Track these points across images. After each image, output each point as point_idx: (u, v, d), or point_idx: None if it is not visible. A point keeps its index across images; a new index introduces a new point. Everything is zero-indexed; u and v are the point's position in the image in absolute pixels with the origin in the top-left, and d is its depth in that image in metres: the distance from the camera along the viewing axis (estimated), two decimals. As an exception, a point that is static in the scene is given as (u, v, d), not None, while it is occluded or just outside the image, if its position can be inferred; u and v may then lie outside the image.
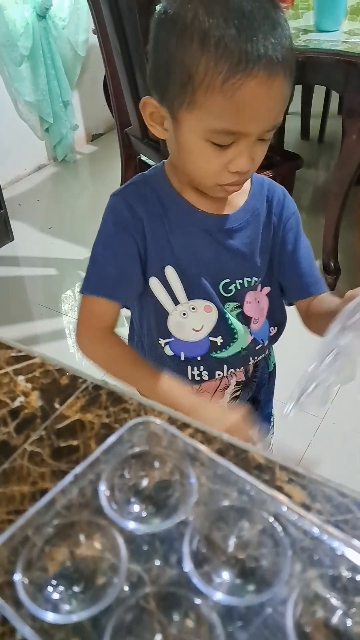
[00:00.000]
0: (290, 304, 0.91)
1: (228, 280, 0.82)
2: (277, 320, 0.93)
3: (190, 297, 0.81)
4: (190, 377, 0.87)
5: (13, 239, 2.44)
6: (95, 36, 1.94)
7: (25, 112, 2.81)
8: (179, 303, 0.82)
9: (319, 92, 2.93)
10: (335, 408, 1.64)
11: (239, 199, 0.80)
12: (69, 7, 2.76)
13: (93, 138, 3.30)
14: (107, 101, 3.03)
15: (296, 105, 2.99)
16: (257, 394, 1.00)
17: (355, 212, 2.00)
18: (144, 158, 2.15)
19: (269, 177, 1.81)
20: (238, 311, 0.84)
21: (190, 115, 0.65)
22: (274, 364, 1.02)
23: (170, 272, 0.79)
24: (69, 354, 1.88)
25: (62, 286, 2.22)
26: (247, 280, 0.83)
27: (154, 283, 0.80)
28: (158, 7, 0.66)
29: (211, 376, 0.87)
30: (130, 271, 0.78)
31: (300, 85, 2.87)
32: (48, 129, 2.92)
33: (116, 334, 0.81)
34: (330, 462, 1.46)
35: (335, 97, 2.89)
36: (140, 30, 1.61)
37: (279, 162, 1.88)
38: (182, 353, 0.85)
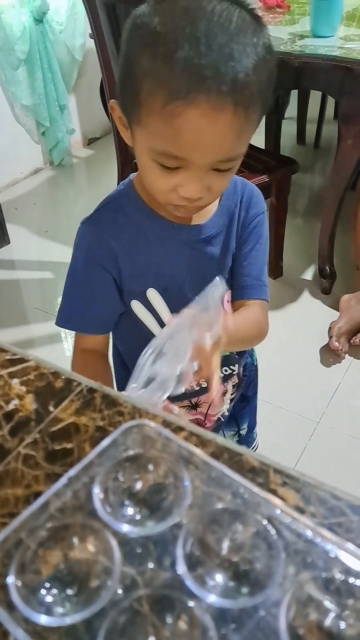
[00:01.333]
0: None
1: None
2: None
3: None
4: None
5: (9, 243, 2.44)
6: (92, 41, 1.95)
7: (22, 116, 2.81)
8: (165, 325, 0.79)
9: (315, 97, 2.94)
10: (331, 412, 1.64)
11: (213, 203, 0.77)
12: (66, 11, 2.77)
13: (90, 142, 3.31)
14: (103, 105, 3.04)
15: (292, 110, 3.00)
16: (246, 391, 1.00)
17: (351, 216, 2.01)
18: (140, 162, 2.15)
19: (265, 181, 1.83)
20: None
21: (138, 131, 0.63)
22: (256, 359, 1.02)
23: (152, 295, 0.78)
24: (65, 358, 1.88)
25: (57, 290, 2.21)
26: (225, 279, 0.82)
27: (137, 307, 0.79)
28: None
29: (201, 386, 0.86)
30: (101, 304, 0.79)
31: (297, 90, 2.88)
32: (44, 132, 2.93)
33: (94, 358, 0.82)
34: (326, 465, 1.46)
35: (331, 102, 2.91)
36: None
37: (275, 167, 1.88)
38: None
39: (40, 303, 2.15)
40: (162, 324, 0.80)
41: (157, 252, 0.76)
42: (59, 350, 1.93)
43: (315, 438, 1.56)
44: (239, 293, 0.83)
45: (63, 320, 0.81)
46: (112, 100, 0.68)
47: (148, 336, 0.80)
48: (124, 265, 0.76)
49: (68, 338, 1.99)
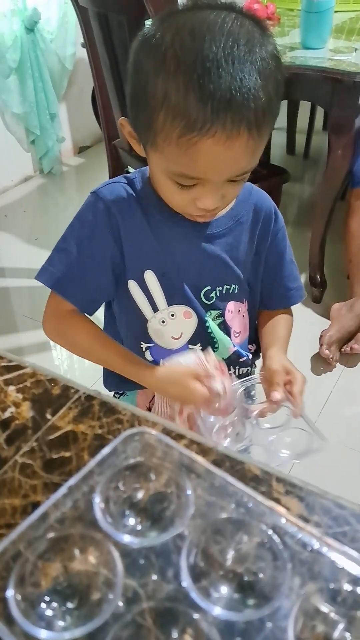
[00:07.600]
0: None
1: (209, 287, 0.81)
2: (253, 337, 0.92)
3: (170, 302, 0.80)
4: None
5: (-2, 250, 2.42)
6: (83, 50, 1.95)
7: (13, 124, 2.80)
8: (157, 310, 0.81)
9: (304, 107, 2.97)
10: (323, 421, 1.64)
11: None
12: (57, 21, 2.78)
13: (80, 150, 3.31)
14: (95, 114, 3.04)
15: (282, 121, 3.02)
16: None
17: (341, 226, 2.02)
18: (131, 170, 2.15)
19: (257, 190, 1.82)
20: (220, 320, 0.84)
21: (154, 154, 0.65)
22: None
23: (149, 277, 0.79)
24: (54, 367, 1.86)
25: (47, 298, 2.20)
26: (227, 287, 0.82)
27: (133, 287, 0.80)
28: (146, 25, 0.65)
29: None
30: (95, 278, 0.79)
31: (286, 101, 2.90)
32: (34, 141, 2.92)
33: (84, 317, 0.82)
34: (319, 474, 1.46)
35: (320, 112, 2.93)
36: (129, 45, 1.62)
37: (266, 176, 1.89)
38: (162, 360, 0.83)
39: (30, 311, 2.13)
40: (154, 308, 0.80)
41: (160, 237, 0.77)
42: (49, 358, 1.91)
43: (307, 447, 1.55)
44: (283, 303, 0.90)
45: (52, 279, 0.82)
46: (122, 118, 0.70)
47: (143, 320, 0.81)
48: (127, 241, 0.77)
49: (57, 347, 1.97)
